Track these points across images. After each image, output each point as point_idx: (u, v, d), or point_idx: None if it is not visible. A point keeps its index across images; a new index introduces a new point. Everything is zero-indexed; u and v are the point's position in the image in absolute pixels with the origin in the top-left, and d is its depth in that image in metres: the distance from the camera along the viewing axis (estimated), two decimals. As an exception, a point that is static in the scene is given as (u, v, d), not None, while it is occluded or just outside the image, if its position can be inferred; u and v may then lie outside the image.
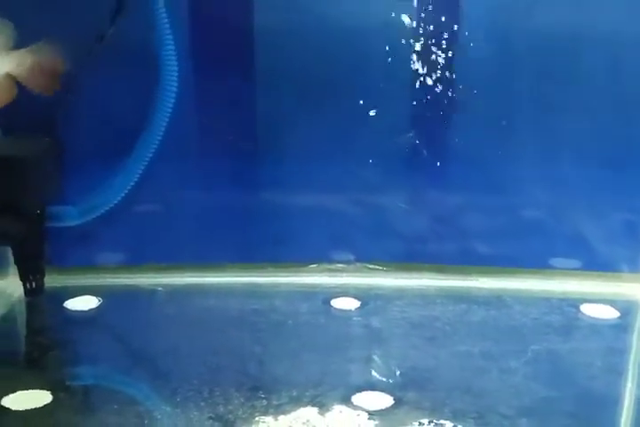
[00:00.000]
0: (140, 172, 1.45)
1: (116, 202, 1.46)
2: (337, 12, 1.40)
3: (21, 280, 1.43)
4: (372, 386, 1.16)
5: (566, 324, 1.39)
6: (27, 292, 1.43)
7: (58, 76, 1.27)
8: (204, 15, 1.43)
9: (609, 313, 1.44)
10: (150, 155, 1.44)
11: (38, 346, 1.29)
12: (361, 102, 1.45)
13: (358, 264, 1.57)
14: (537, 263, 1.57)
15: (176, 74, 1.41)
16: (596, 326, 1.40)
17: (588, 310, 1.44)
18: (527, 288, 1.54)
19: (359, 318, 1.39)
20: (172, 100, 1.42)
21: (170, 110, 1.42)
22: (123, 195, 1.45)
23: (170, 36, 1.38)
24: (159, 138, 1.44)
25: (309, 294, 1.49)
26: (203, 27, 1.44)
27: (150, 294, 1.49)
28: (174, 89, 1.41)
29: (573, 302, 1.47)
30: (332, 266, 1.57)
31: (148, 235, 1.53)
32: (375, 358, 1.25)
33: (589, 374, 1.23)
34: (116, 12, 1.35)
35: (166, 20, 1.38)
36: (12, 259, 1.44)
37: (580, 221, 1.56)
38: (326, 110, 1.46)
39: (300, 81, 1.45)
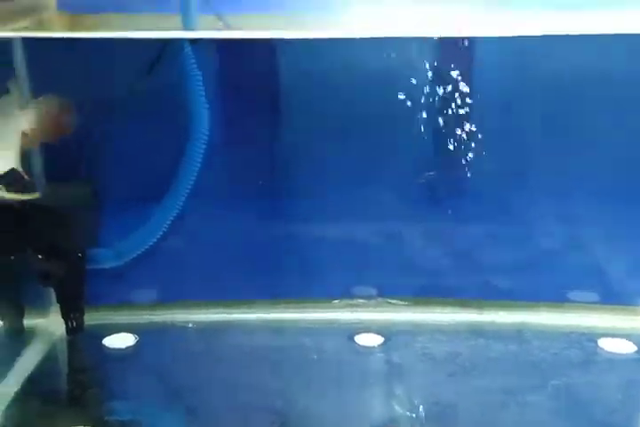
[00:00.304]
0: (173, 216, 1.53)
1: (150, 244, 1.54)
2: (360, 56, 1.46)
3: (63, 319, 1.51)
4: (396, 422, 1.21)
5: (585, 358, 1.42)
6: (68, 330, 1.51)
7: (65, 125, 1.30)
8: (233, 64, 1.51)
9: (627, 347, 1.46)
10: (183, 199, 1.52)
11: (79, 383, 1.36)
12: (383, 141, 1.51)
13: (380, 299, 1.63)
14: (555, 297, 1.61)
15: (207, 120, 1.48)
16: (614, 361, 1.43)
17: (607, 344, 1.47)
18: (546, 322, 1.57)
19: (382, 355, 1.43)
20: (204, 145, 1.49)
21: (202, 154, 1.49)
22: (156, 238, 1.54)
23: (201, 87, 1.46)
24: (191, 182, 1.52)
25: (333, 330, 1.54)
26: (231, 74, 1.52)
27: (183, 330, 1.55)
28: (205, 134, 1.49)
29: (592, 337, 1.50)
30: (354, 301, 1.62)
31: (180, 273, 1.60)
32: (398, 393, 1.30)
33: (609, 409, 1.25)
34: (154, 62, 1.43)
35: (196, 68, 1.45)
36: (53, 298, 1.52)
37: (598, 255, 1.59)
38: (349, 149, 1.52)
39: (324, 121, 1.51)
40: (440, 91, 1.48)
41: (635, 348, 1.46)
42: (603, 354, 1.45)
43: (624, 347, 1.47)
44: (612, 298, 1.59)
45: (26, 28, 1.27)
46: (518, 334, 1.51)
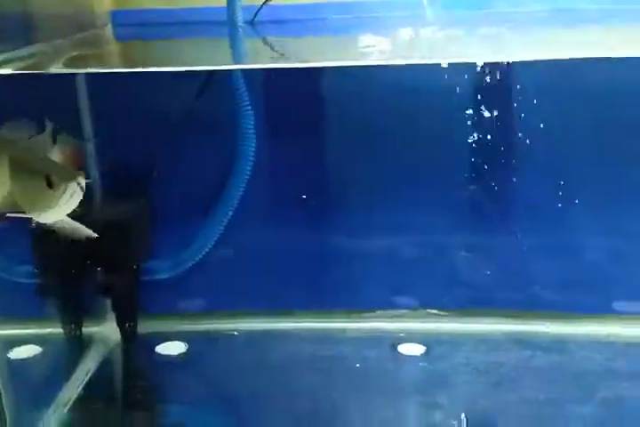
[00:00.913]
0: (222, 229, 1.59)
1: (200, 257, 1.61)
2: (402, 74, 1.49)
3: (118, 326, 1.58)
4: (439, 430, 1.23)
5: (632, 370, 1.40)
6: (123, 337, 1.58)
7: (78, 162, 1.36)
8: (279, 87, 1.55)
9: (675, 359, 1.45)
10: (230, 214, 1.58)
11: (135, 388, 1.43)
12: (426, 153, 1.53)
13: (423, 310, 1.65)
14: (601, 309, 1.59)
15: (253, 140, 1.54)
16: (661, 373, 1.41)
17: (654, 355, 1.46)
18: (592, 333, 1.56)
19: (425, 364, 1.46)
20: (251, 162, 1.55)
21: (248, 171, 1.55)
22: (206, 251, 1.60)
23: (249, 111, 1.52)
24: (239, 196, 1.57)
25: (377, 339, 1.57)
26: (277, 96, 1.57)
27: (230, 339, 1.61)
28: (252, 153, 1.54)
29: (637, 347, 1.49)
30: (398, 312, 1.65)
31: (227, 284, 1.66)
32: (442, 403, 1.32)
33: (657, 421, 1.25)
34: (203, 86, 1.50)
35: (245, 93, 1.52)
36: (109, 307, 1.60)
37: (644, 266, 1.58)
38: (392, 162, 1.55)
39: (367, 137, 1.54)
40: (485, 108, 1.50)
41: (682, 359, 1.44)
42: (650, 365, 1.43)
43: (672, 358, 1.45)
44: (659, 309, 1.57)
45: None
46: (564, 346, 1.51)
